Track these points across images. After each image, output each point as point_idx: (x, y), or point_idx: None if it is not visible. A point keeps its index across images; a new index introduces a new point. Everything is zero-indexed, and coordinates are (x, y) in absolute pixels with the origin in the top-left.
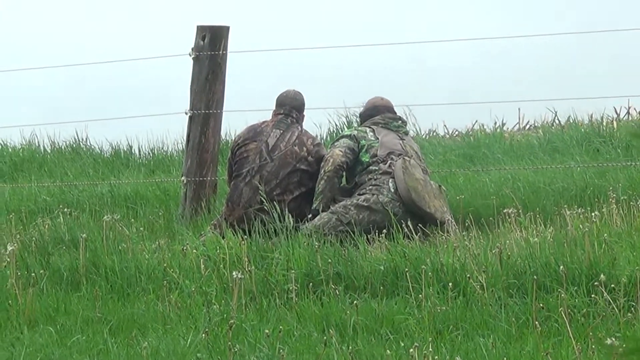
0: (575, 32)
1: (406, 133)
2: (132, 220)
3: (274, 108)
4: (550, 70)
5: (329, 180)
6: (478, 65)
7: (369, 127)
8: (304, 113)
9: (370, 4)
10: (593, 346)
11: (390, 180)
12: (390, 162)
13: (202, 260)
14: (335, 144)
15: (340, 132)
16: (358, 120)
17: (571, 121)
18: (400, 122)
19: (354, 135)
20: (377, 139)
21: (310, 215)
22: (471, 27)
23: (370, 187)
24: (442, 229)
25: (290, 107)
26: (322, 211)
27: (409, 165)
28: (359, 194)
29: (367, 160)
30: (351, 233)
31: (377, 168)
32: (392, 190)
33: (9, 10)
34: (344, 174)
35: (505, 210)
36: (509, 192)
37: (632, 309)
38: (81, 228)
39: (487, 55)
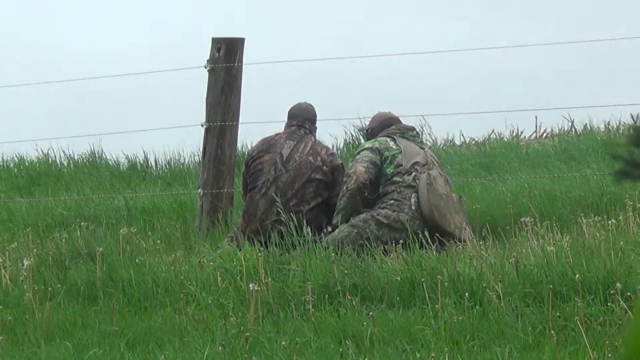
0: (591, 40)
1: (422, 142)
2: (149, 233)
3: (286, 121)
4: (566, 78)
5: (351, 197)
6: (495, 73)
7: (389, 137)
8: (316, 124)
9: (383, 14)
10: (609, 355)
11: (413, 195)
12: (415, 175)
13: (218, 272)
14: (357, 157)
15: (357, 142)
16: (364, 138)
17: (588, 129)
18: (415, 132)
19: (376, 147)
20: (400, 147)
21: (330, 229)
22: (485, 35)
23: (392, 201)
24: (460, 239)
25: (302, 119)
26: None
27: (433, 181)
28: (380, 207)
29: (392, 171)
30: (368, 245)
31: (401, 180)
32: (414, 207)
33: (23, 22)
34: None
35: (521, 219)
36: (526, 200)
37: None
38: (98, 241)
39: (504, 64)
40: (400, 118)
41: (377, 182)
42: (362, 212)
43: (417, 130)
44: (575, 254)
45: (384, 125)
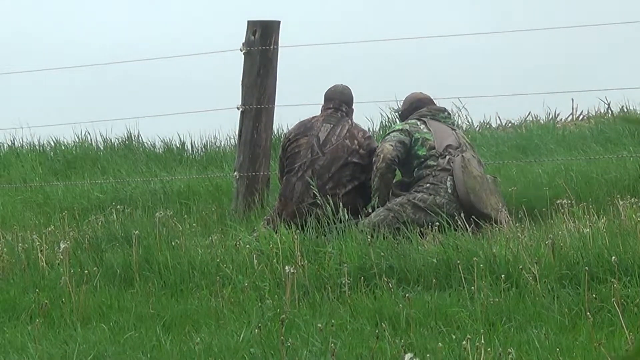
0: (629, 21)
1: (454, 124)
2: (185, 216)
3: (322, 103)
4: (603, 59)
5: (382, 177)
6: (531, 55)
7: (419, 120)
8: (353, 107)
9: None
10: None
11: (448, 179)
12: (449, 158)
13: (255, 255)
14: (386, 138)
15: (393, 125)
16: (398, 119)
17: (624, 111)
18: (446, 113)
19: (405, 129)
20: (430, 131)
21: (370, 210)
22: (521, 17)
23: (428, 185)
24: (496, 221)
25: (339, 101)
26: (379, 205)
27: (467, 163)
28: (416, 191)
29: (424, 153)
30: (404, 228)
31: (435, 163)
32: (450, 190)
33: (57, 7)
34: (399, 168)
35: (558, 201)
36: (562, 182)
37: None
38: (134, 225)
39: (542, 46)
40: (433, 99)
41: (409, 165)
42: (398, 195)
43: (449, 111)
44: (612, 235)
45: (413, 107)
